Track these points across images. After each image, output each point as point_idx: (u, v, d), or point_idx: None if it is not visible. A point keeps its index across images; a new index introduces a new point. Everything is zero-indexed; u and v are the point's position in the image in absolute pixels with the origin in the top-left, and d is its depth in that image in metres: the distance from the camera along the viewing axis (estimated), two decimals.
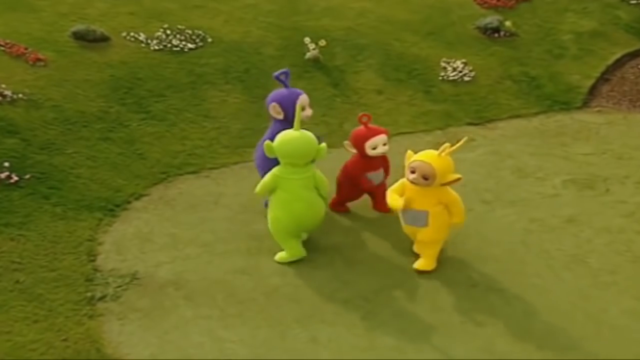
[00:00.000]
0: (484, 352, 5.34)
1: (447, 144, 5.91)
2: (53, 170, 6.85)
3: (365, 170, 6.41)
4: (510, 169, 7.40)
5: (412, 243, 6.20)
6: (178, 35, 8.62)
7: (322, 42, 8.44)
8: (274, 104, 6.33)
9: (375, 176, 6.48)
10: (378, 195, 6.54)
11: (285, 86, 6.44)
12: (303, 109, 6.19)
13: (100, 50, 8.26)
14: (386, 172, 6.55)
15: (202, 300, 5.70)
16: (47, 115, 7.38)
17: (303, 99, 6.34)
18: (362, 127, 6.39)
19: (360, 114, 6.44)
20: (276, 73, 6.47)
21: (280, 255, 6.09)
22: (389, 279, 5.96)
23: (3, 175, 6.62)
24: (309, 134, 5.96)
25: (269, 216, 6.05)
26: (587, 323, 5.57)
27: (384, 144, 6.36)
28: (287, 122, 6.21)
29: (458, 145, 5.96)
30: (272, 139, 6.06)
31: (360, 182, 6.44)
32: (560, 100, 8.51)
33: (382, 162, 6.49)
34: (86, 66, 8.06)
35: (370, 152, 6.32)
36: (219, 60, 8.43)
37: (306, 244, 6.23)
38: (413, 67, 8.64)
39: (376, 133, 6.34)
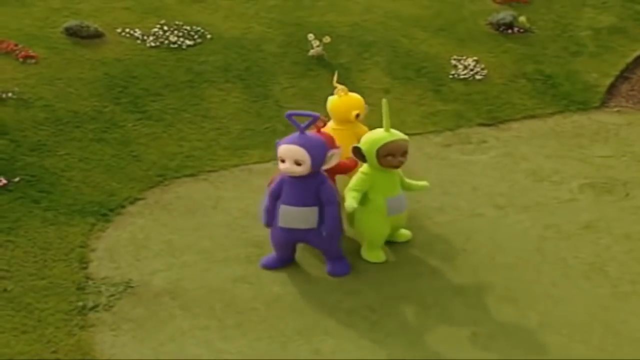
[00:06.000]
0: None
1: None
2: (44, 172, 6.80)
3: None
4: (524, 172, 7.31)
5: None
6: (176, 32, 8.62)
7: (327, 39, 8.41)
8: None
9: None
10: None
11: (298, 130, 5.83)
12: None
13: (93, 47, 8.26)
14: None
15: (199, 310, 5.64)
16: (38, 115, 7.36)
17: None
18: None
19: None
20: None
21: (369, 254, 6.12)
22: (395, 288, 5.87)
23: None
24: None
25: (361, 219, 6.01)
26: (606, 335, 5.48)
27: None
28: None
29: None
30: None
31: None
32: (577, 100, 8.45)
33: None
34: (79, 64, 8.04)
35: None
36: (218, 57, 8.40)
37: (309, 251, 6.14)
38: (422, 65, 8.59)
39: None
